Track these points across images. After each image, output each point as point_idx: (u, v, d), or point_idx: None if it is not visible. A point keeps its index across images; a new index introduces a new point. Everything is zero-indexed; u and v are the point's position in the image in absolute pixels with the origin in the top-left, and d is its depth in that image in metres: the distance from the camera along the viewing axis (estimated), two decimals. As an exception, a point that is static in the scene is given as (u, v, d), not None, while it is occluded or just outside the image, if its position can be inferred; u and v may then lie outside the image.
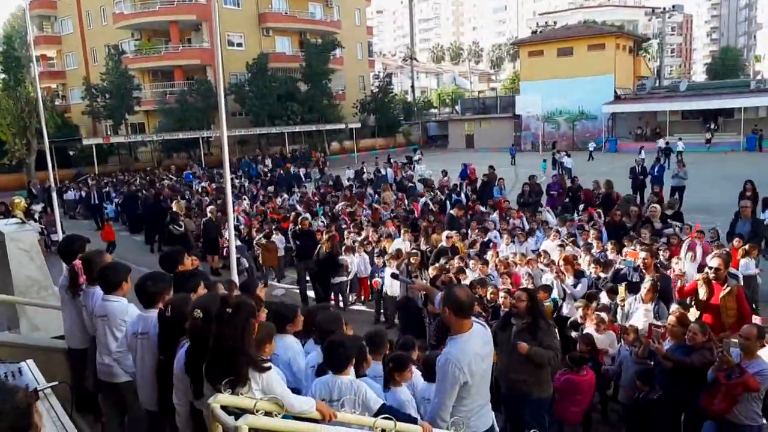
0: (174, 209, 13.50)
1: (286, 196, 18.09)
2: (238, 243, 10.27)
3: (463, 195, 15.65)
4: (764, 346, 4.60)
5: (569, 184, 15.90)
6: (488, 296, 7.03)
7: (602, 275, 7.57)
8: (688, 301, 6.22)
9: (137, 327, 3.65)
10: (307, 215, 12.01)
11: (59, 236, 11.99)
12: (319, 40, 42.02)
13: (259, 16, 41.69)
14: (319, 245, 10.11)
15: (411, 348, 4.58)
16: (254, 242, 11.94)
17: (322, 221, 12.96)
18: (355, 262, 10.17)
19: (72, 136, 34.70)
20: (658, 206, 10.62)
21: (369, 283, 10.31)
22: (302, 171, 27.62)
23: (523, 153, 37.66)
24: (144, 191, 19.08)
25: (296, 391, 3.21)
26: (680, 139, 29.86)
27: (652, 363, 5.34)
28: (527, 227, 11.11)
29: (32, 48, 13.82)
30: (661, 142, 29.06)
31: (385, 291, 9.17)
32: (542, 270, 8.14)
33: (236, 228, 11.05)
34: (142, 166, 34.32)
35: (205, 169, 29.93)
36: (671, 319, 5.28)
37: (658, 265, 7.34)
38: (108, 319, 4.00)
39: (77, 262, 4.43)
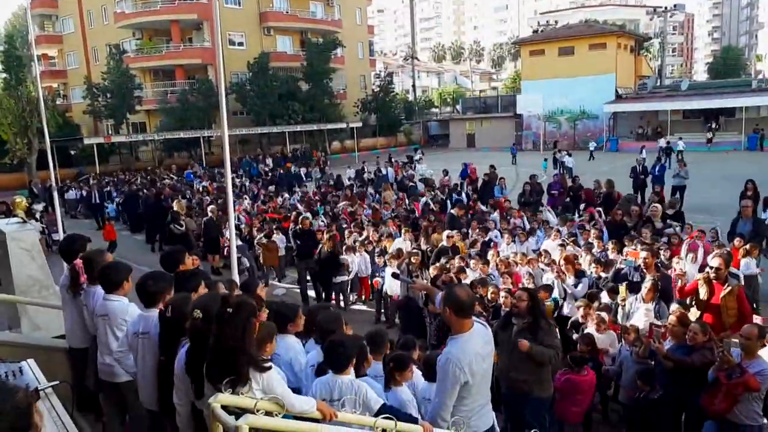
0: (175, 208, 13.51)
1: (287, 195, 18.10)
2: (239, 242, 10.30)
3: (464, 194, 15.65)
4: (765, 345, 4.59)
5: (570, 183, 15.89)
6: (489, 296, 7.02)
7: (603, 275, 7.56)
8: (688, 301, 6.21)
9: (138, 326, 3.65)
10: (308, 215, 12.01)
11: (60, 235, 12.01)
12: (320, 39, 42.00)
13: (260, 16, 41.70)
14: (321, 245, 10.13)
15: (412, 348, 4.58)
16: (255, 242, 11.95)
17: (323, 221, 12.97)
18: (356, 262, 10.17)
19: (73, 136, 34.75)
20: (659, 206, 10.62)
21: (370, 282, 10.32)
22: (303, 170, 27.64)
23: (524, 152, 37.64)
24: (145, 190, 19.10)
25: (297, 391, 3.21)
26: (681, 138, 29.83)
27: (652, 363, 5.34)
28: (528, 227, 11.11)
29: (33, 47, 13.79)
30: (662, 142, 29.04)
31: (385, 290, 9.18)
32: (543, 270, 8.14)
33: (237, 227, 11.06)
34: (143, 165, 34.35)
35: (206, 168, 29.94)
36: (672, 318, 5.28)
37: (659, 264, 7.33)
38: (109, 319, 4.00)
39: (78, 262, 4.43)
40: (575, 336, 6.37)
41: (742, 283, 6.80)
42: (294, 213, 13.22)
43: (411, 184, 19.15)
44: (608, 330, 6.19)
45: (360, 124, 42.91)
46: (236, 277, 5.86)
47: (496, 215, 12.24)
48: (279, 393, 2.72)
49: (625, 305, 6.46)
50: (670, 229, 9.59)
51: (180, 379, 3.10)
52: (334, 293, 10.23)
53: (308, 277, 10.63)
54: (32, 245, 6.33)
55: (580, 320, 6.58)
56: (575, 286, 7.43)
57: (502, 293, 6.78)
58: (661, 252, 8.08)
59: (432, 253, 9.60)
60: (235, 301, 2.84)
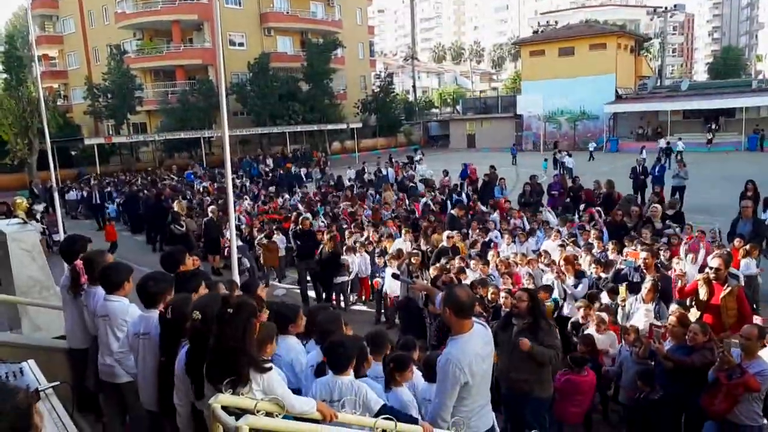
0: (175, 209, 13.52)
1: (287, 196, 18.11)
2: (240, 243, 10.31)
3: (464, 195, 15.65)
4: (765, 346, 4.60)
5: (570, 184, 15.90)
6: (489, 296, 7.03)
7: (603, 275, 7.57)
8: (688, 301, 6.21)
9: (139, 327, 3.65)
10: (308, 215, 12.02)
11: (61, 236, 12.02)
12: (321, 39, 42.02)
13: (261, 16, 41.71)
14: (322, 245, 10.13)
15: (412, 348, 4.58)
16: (255, 242, 11.96)
17: (323, 221, 12.98)
18: (356, 262, 10.18)
19: (74, 136, 34.77)
20: (659, 206, 10.62)
21: (370, 283, 10.32)
22: (303, 171, 27.65)
23: (525, 153, 37.65)
24: (145, 191, 19.11)
25: (298, 392, 3.21)
26: (680, 139, 29.82)
27: (652, 363, 5.34)
28: (528, 227, 11.11)
29: (34, 48, 13.81)
30: (662, 142, 29.04)
31: (385, 291, 9.18)
32: (543, 270, 8.14)
33: (237, 228, 11.07)
34: (143, 165, 34.37)
35: (206, 168, 29.96)
36: (672, 319, 5.28)
37: (659, 265, 7.33)
38: (109, 319, 4.00)
39: (79, 262, 4.44)
40: (575, 339, 6.37)
41: (742, 283, 6.79)
42: (294, 213, 13.23)
43: (411, 184, 19.16)
44: (608, 330, 6.19)
45: (360, 125, 42.92)
46: (237, 278, 5.87)
47: (496, 216, 12.25)
48: (279, 394, 2.72)
49: (625, 306, 6.46)
50: (669, 230, 9.59)
51: (180, 380, 3.10)
52: (334, 294, 10.24)
53: (308, 278, 10.64)
54: (33, 246, 6.33)
55: (581, 321, 6.58)
56: (575, 286, 7.43)
57: (502, 294, 6.79)
58: (661, 252, 8.08)
59: (432, 253, 9.61)
60: (236, 302, 2.84)
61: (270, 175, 26.37)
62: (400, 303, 8.42)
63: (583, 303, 6.70)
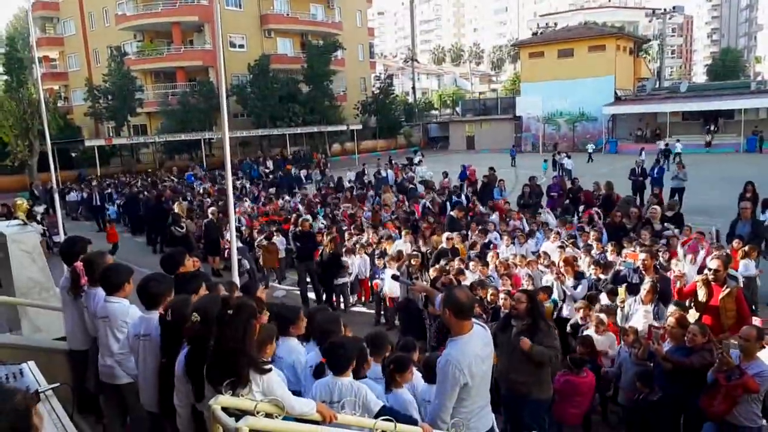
0: (176, 210, 13.54)
1: (287, 197, 18.12)
2: (240, 244, 10.31)
3: (463, 196, 15.66)
4: (764, 347, 4.61)
5: (569, 185, 15.91)
6: (488, 298, 7.04)
7: (602, 276, 7.57)
8: (687, 303, 6.22)
9: (139, 328, 3.66)
10: (308, 217, 12.03)
11: (61, 237, 12.01)
12: (321, 41, 42.08)
13: (261, 18, 41.76)
14: (322, 247, 10.14)
15: (411, 349, 4.59)
16: (255, 244, 11.96)
17: (323, 223, 12.99)
18: (356, 264, 10.18)
19: (74, 138, 34.81)
20: (658, 208, 10.63)
21: (369, 284, 10.33)
22: (303, 172, 27.66)
23: (524, 154, 37.67)
24: (146, 193, 19.11)
25: (298, 393, 3.22)
26: (678, 140, 29.84)
27: (651, 364, 5.35)
28: (527, 228, 11.11)
29: (35, 49, 13.78)
30: (661, 144, 29.06)
31: (385, 292, 9.18)
32: (542, 271, 8.15)
33: (237, 229, 11.07)
34: (144, 167, 34.39)
35: (206, 170, 29.96)
36: (671, 320, 5.28)
37: (658, 266, 7.34)
38: (109, 321, 4.01)
39: (79, 264, 4.44)
40: (575, 340, 6.38)
41: (741, 284, 6.80)
42: (294, 215, 13.23)
43: (411, 186, 19.16)
44: (607, 331, 6.20)
45: (360, 127, 42.93)
46: (236, 279, 5.87)
47: (495, 217, 12.26)
48: (279, 395, 2.73)
49: (624, 307, 6.47)
50: (669, 232, 9.60)
51: (180, 381, 3.11)
52: (334, 295, 10.24)
53: (308, 279, 10.64)
54: (33, 247, 6.34)
55: (580, 322, 6.59)
56: (574, 287, 7.44)
57: (502, 295, 6.79)
58: (660, 254, 8.09)
59: (432, 255, 9.62)
60: (236, 303, 2.85)
61: (270, 176, 26.39)
62: (400, 304, 8.43)
63: (582, 304, 6.71)
